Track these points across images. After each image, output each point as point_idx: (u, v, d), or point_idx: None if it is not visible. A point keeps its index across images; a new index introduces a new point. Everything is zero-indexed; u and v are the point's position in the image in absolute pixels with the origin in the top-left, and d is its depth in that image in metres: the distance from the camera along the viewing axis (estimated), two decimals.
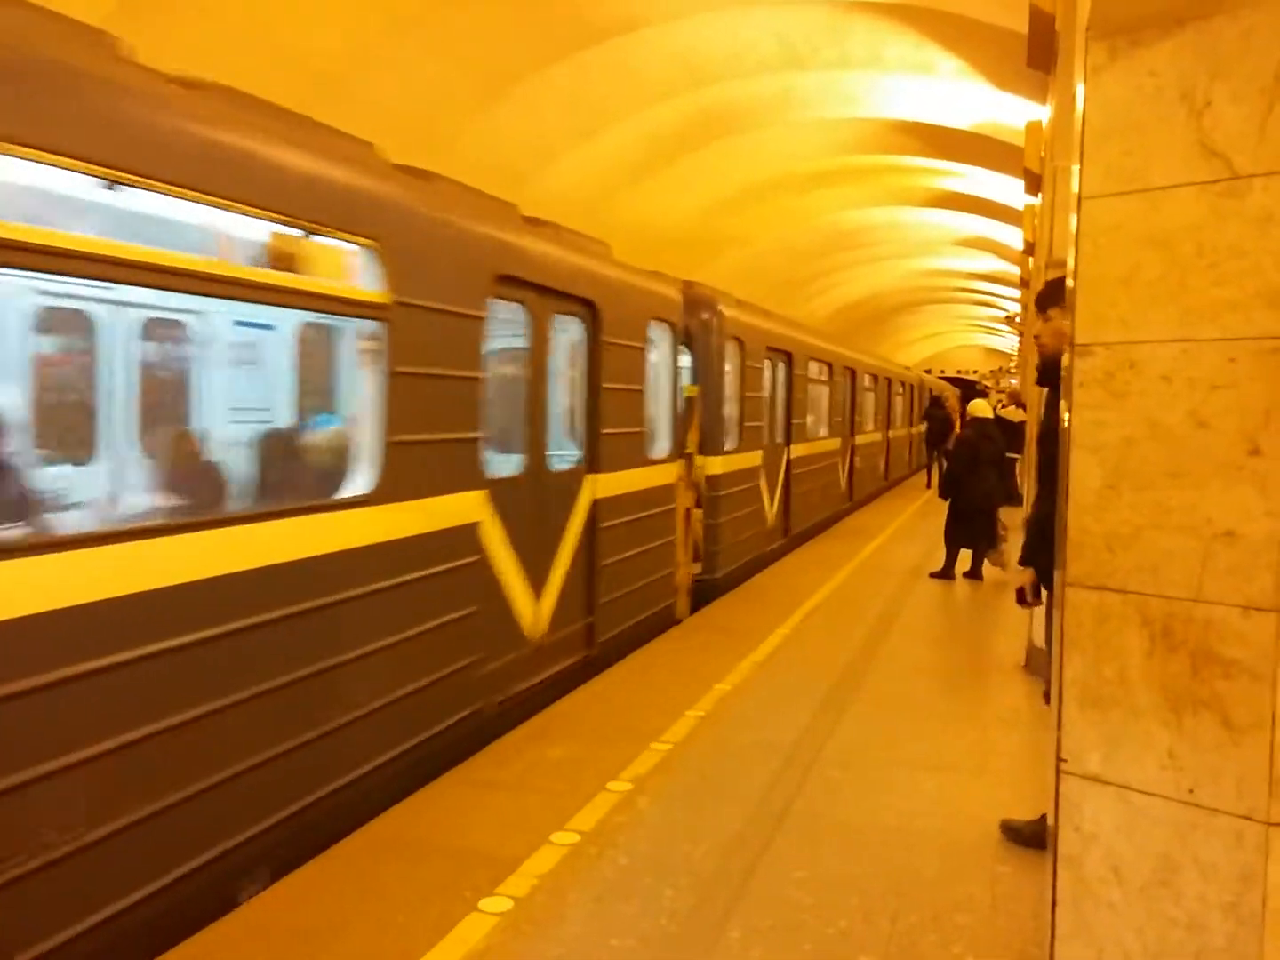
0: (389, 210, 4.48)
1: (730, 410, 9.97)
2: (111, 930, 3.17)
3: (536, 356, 6.01)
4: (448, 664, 5.00)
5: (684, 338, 8.86)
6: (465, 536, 5.13)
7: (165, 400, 6.18)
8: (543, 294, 5.96)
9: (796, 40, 10.95)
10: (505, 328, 6.58)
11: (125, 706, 3.22)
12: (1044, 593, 4.50)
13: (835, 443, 15.30)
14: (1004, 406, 16.95)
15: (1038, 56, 7.04)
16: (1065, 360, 2.65)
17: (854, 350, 17.85)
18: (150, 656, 3.28)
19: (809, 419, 13.52)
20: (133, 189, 3.23)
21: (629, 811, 4.44)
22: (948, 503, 10.74)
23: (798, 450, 12.72)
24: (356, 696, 4.36)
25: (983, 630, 8.73)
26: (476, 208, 5.40)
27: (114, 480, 5.63)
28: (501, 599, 5.57)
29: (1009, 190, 15.11)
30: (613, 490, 6.93)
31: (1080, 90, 2.43)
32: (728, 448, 9.83)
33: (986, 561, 10.69)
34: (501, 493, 5.47)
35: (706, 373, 9.36)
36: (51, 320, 5.56)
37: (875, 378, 19.40)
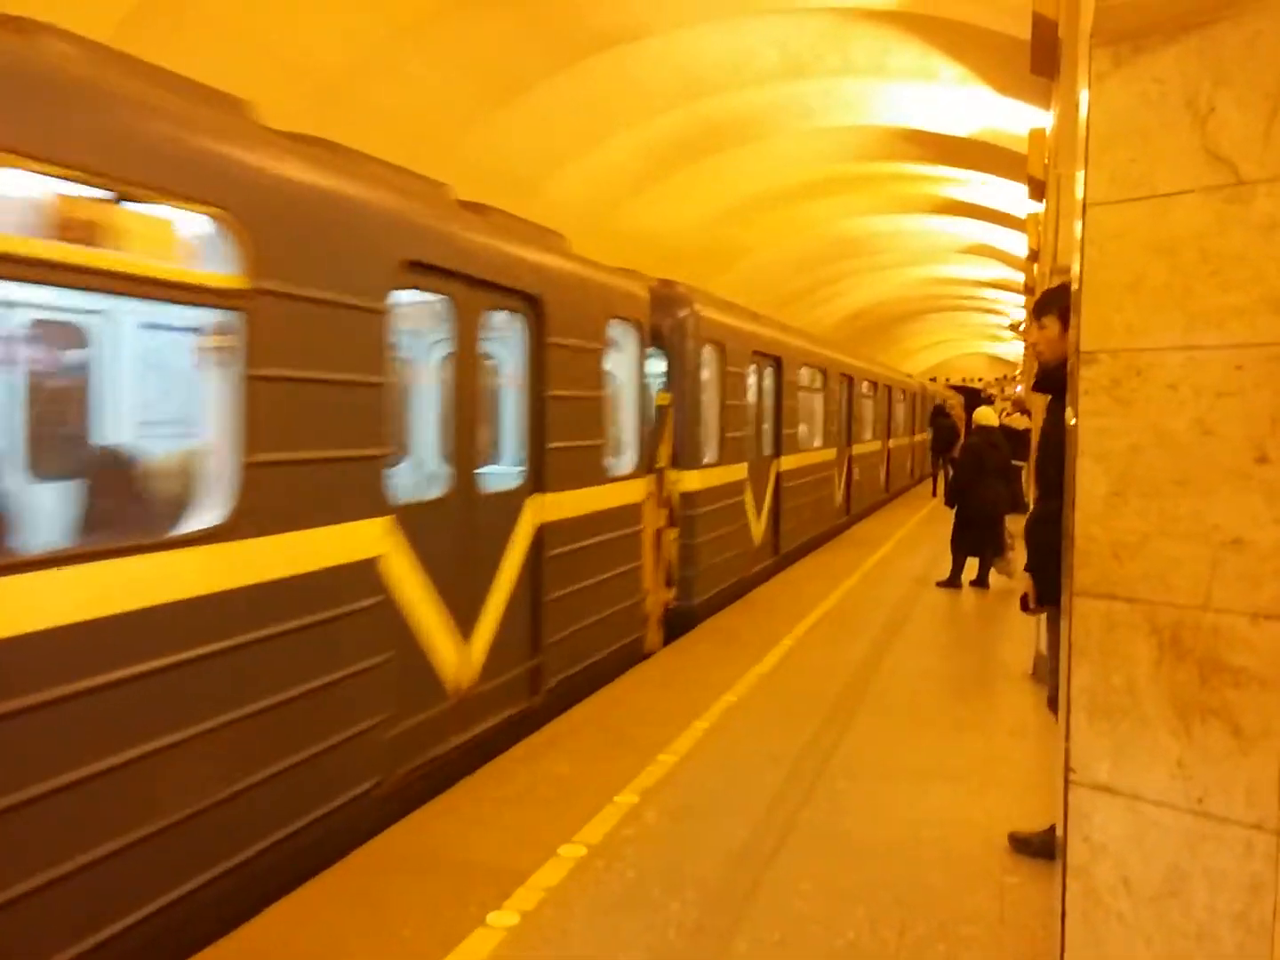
0: (246, 174, 3.62)
1: (709, 420, 9.14)
2: None
3: (465, 358, 5.15)
4: (329, 735, 4.03)
5: (656, 340, 8.15)
6: (360, 574, 4.22)
7: None
8: (473, 286, 5.12)
9: (800, 49, 10.99)
10: (427, 325, 5.98)
11: None
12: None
13: (830, 453, 14.52)
14: (1009, 414, 16.93)
15: (1041, 63, 7.04)
16: (1071, 367, 2.64)
17: (851, 355, 17.11)
18: None
19: (801, 429, 12.78)
20: None
21: (636, 824, 4.42)
22: (954, 511, 10.72)
23: (788, 462, 11.91)
24: (184, 794, 3.35)
25: (990, 639, 8.70)
26: (380, 181, 4.54)
27: None
28: (414, 645, 4.70)
29: (1013, 197, 15.13)
30: (563, 512, 6.07)
31: (1084, 97, 2.43)
32: (706, 461, 8.97)
33: (993, 570, 10.66)
34: (415, 519, 4.65)
35: (681, 379, 8.47)
36: None
37: (874, 385, 18.72)
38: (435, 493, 5.19)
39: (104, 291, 3.37)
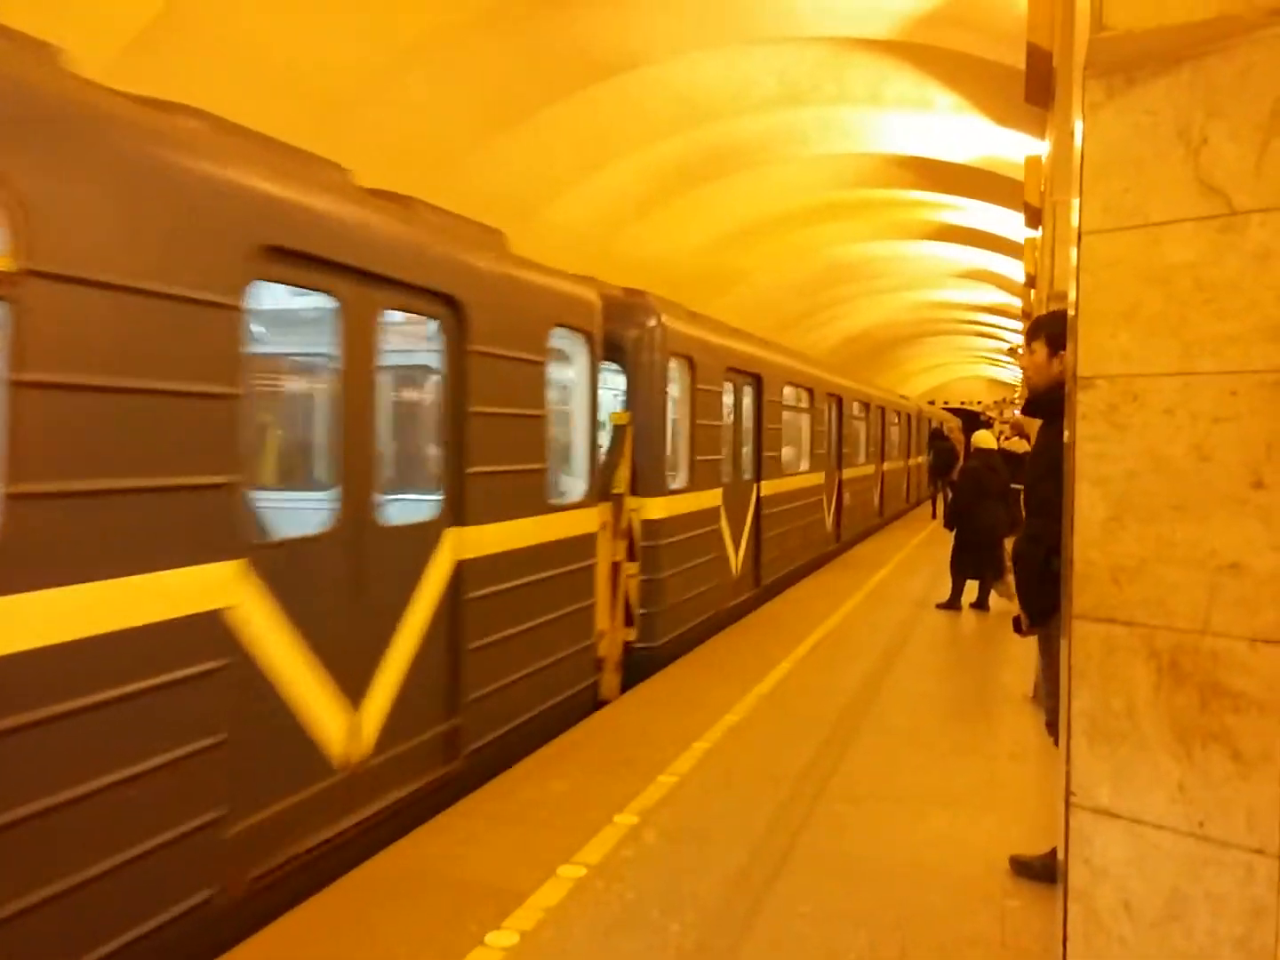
0: (12, 128, 2.84)
1: (677, 442, 8.40)
2: None
3: (357, 367, 4.33)
4: (130, 843, 3.16)
5: (616, 354, 7.52)
6: (193, 633, 3.39)
7: None
8: (367, 282, 4.35)
9: (797, 77, 11.12)
10: (305, 328, 5.24)
11: None
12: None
13: (818, 478, 13.74)
14: (1008, 438, 16.98)
15: (1035, 92, 7.13)
16: (1068, 392, 2.67)
17: (840, 375, 16.39)
18: None
19: (785, 451, 12.09)
20: None
21: (636, 845, 4.41)
22: (953, 533, 10.75)
23: (771, 487, 11.14)
24: None
25: (990, 661, 8.69)
26: (237, 154, 3.71)
27: None
28: (279, 718, 3.86)
29: (1009, 223, 15.25)
30: (490, 546, 5.27)
31: (1078, 127, 2.47)
32: (674, 486, 8.20)
33: (993, 592, 10.66)
34: (283, 561, 3.90)
35: (643, 396, 7.70)
36: None
37: (866, 405, 17.95)
38: (315, 527, 4.27)
39: None
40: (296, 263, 3.93)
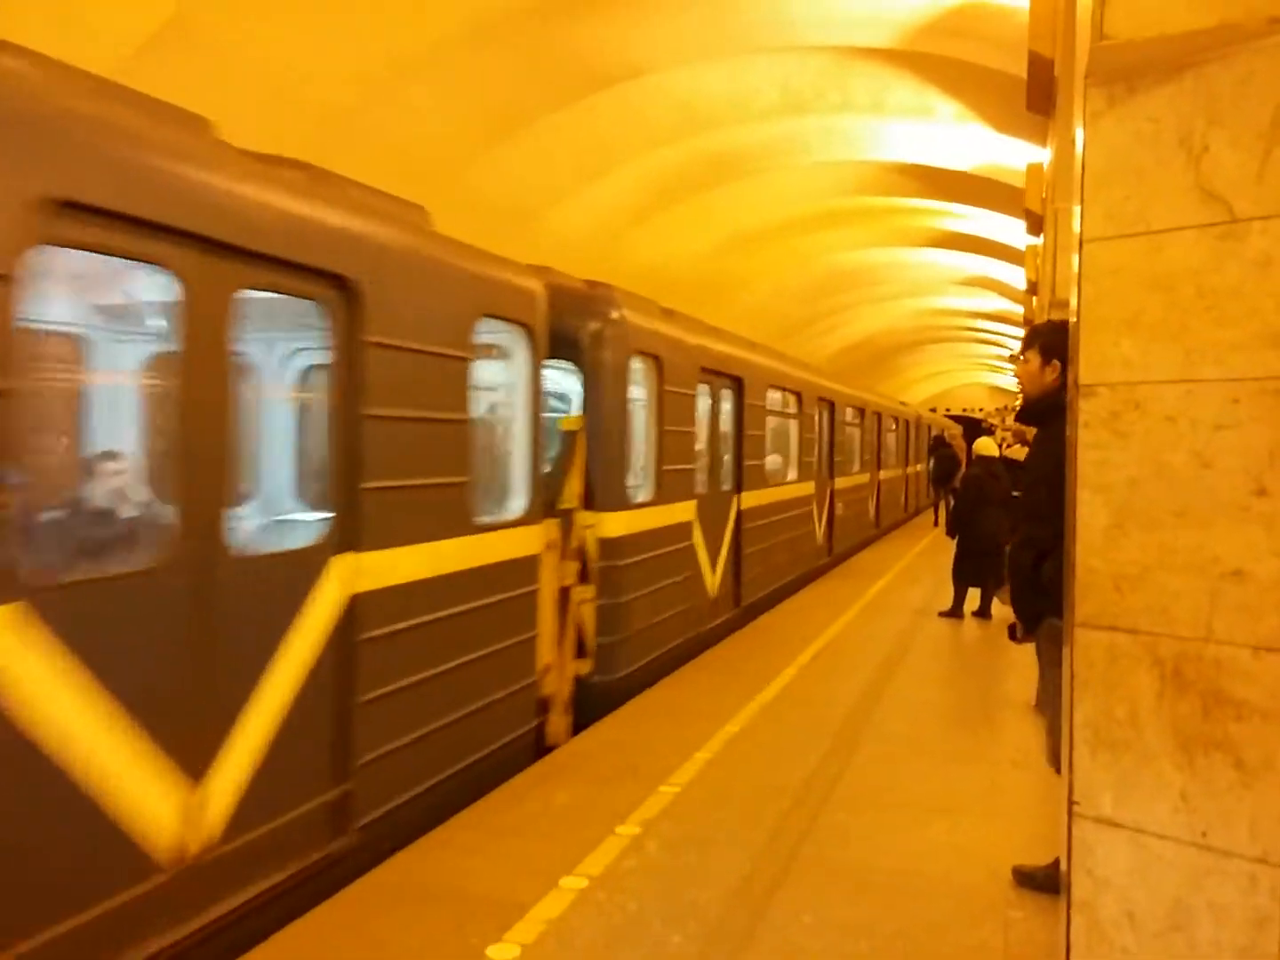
0: None
1: (641, 450, 7.67)
2: None
3: (201, 356, 3.51)
4: None
5: (571, 351, 6.80)
6: None
7: None
8: (217, 254, 3.52)
9: (800, 86, 11.15)
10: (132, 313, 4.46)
11: None
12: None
13: (807, 487, 12.87)
14: (1009, 445, 16.97)
15: (1037, 100, 7.15)
16: (1070, 399, 2.66)
17: (832, 379, 15.52)
18: None
19: (771, 460, 11.35)
20: None
21: (637, 855, 4.39)
22: (955, 541, 10.74)
23: (753, 498, 10.31)
24: None
25: (992, 669, 8.66)
26: (15, 75, 2.92)
27: None
28: (72, 805, 3.00)
29: (1011, 230, 15.26)
30: (394, 576, 4.45)
31: (1080, 135, 2.47)
32: (639, 499, 7.44)
33: (995, 600, 10.64)
34: (85, 603, 3.09)
35: (600, 399, 6.87)
36: None
37: (861, 411, 17.04)
38: (140, 560, 3.55)
39: None
40: (105, 224, 3.12)
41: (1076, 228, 2.50)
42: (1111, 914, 2.37)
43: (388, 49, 8.69)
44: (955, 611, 10.63)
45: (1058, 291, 8.61)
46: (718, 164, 13.29)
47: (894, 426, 21.71)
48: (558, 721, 6.32)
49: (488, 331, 5.42)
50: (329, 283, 4.09)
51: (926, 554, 16.65)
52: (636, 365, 7.40)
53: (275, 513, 4.42)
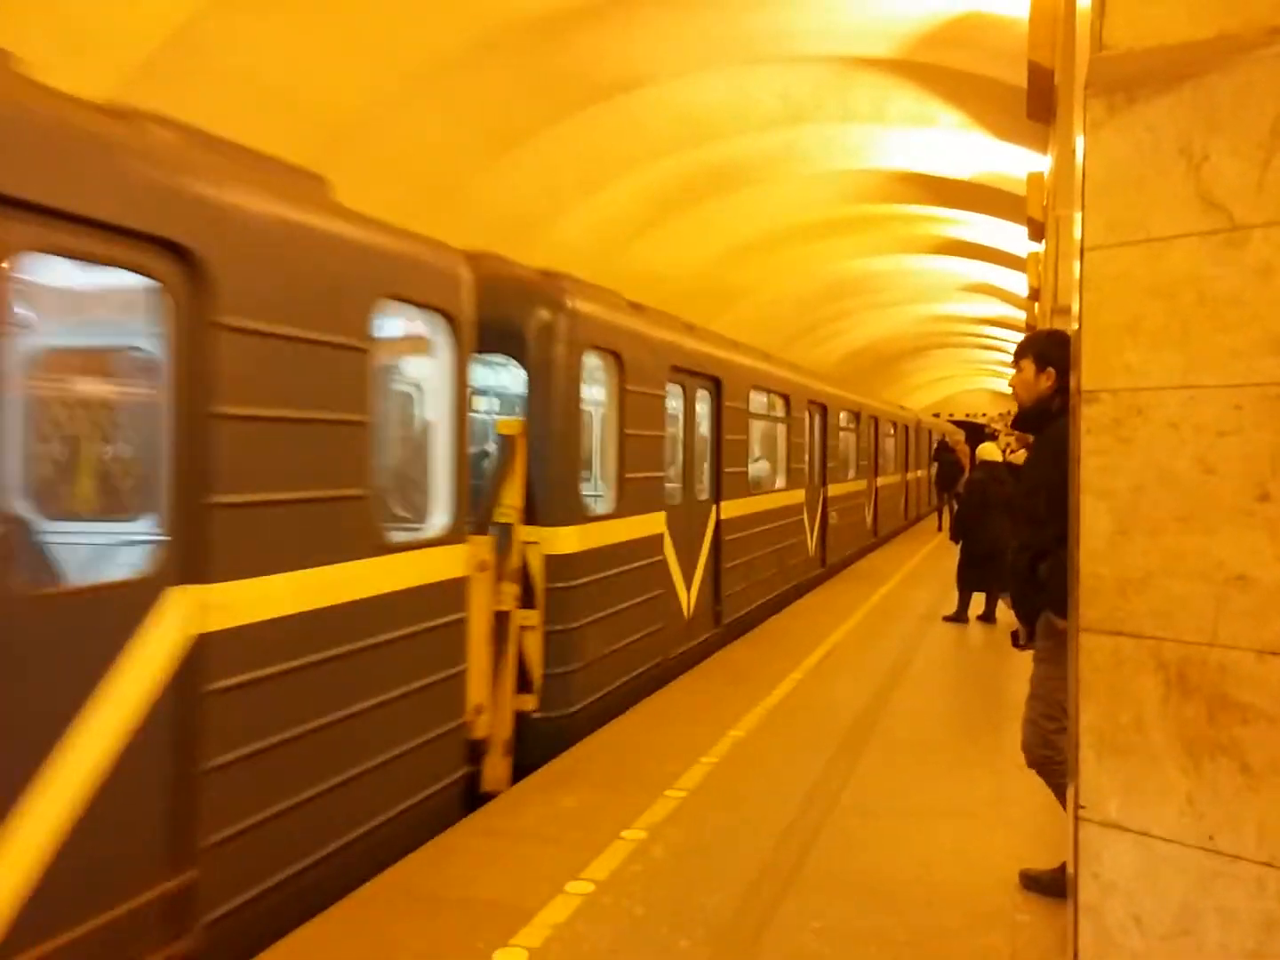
0: None
1: (604, 456, 7.05)
2: None
3: None
4: None
5: (513, 346, 6.08)
6: None
7: None
8: None
9: (801, 96, 11.21)
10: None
11: None
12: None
13: (797, 495, 12.12)
14: (1013, 450, 16.98)
15: (1037, 109, 7.19)
16: (1073, 405, 2.68)
17: (823, 381, 14.73)
18: None
19: (756, 466, 10.68)
20: None
21: (644, 860, 4.40)
22: (959, 546, 10.75)
23: (734, 508, 9.50)
24: None
25: (997, 674, 8.66)
26: None
27: None
28: None
29: (1013, 237, 15.30)
30: (257, 610, 3.62)
31: (1080, 144, 2.50)
32: (598, 511, 6.77)
33: (1000, 604, 10.64)
34: None
35: (547, 399, 6.09)
36: None
37: (856, 415, 16.28)
38: None
39: None
40: None
41: (1078, 235, 2.52)
42: (1119, 918, 2.38)
43: (394, 64, 8.76)
44: (960, 616, 10.63)
45: (1060, 298, 8.64)
46: (719, 174, 13.34)
47: (892, 431, 21.35)
48: (496, 765, 5.51)
49: (404, 320, 4.74)
50: (164, 252, 3.28)
51: (931, 559, 16.65)
52: (592, 362, 6.65)
53: (78, 531, 3.71)
